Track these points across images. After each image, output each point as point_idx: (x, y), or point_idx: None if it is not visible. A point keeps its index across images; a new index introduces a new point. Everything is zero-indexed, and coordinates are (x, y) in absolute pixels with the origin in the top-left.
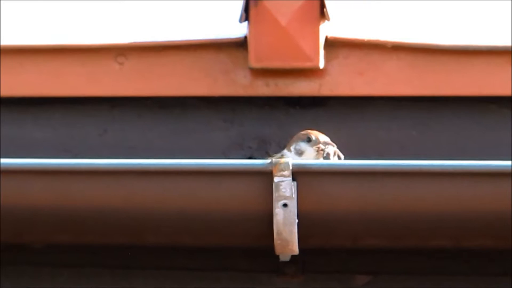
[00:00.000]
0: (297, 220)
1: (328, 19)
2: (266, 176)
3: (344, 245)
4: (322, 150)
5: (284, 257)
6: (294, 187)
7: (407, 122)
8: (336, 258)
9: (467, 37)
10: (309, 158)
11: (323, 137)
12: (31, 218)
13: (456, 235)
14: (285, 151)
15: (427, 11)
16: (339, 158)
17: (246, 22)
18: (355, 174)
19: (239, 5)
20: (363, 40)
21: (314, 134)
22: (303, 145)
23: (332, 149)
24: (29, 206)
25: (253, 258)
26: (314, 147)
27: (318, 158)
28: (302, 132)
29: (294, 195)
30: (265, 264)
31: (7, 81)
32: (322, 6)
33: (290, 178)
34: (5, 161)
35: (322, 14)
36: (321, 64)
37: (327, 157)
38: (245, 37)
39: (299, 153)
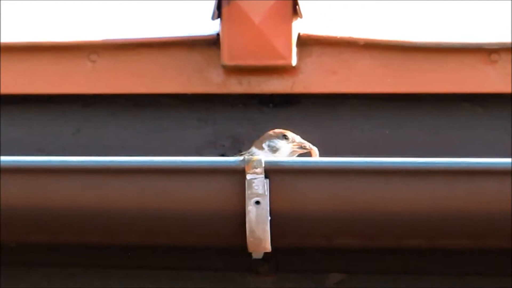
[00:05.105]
0: (269, 218)
1: (301, 17)
2: (238, 173)
3: (317, 243)
4: (303, 147)
5: (257, 255)
6: (266, 184)
7: (380, 120)
8: (309, 257)
9: (440, 35)
10: (283, 155)
11: (298, 137)
12: (4, 217)
13: (430, 234)
14: (253, 149)
15: (399, 8)
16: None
17: (219, 19)
18: (328, 172)
19: (211, 3)
20: (336, 37)
21: (289, 133)
22: (278, 142)
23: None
24: (2, 204)
25: (226, 256)
26: (291, 144)
27: (292, 155)
28: (274, 131)
29: (267, 193)
30: (238, 263)
31: None
32: (295, 4)
33: (263, 176)
34: None
35: (295, 12)
36: (294, 62)
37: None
38: (218, 35)
39: (274, 150)
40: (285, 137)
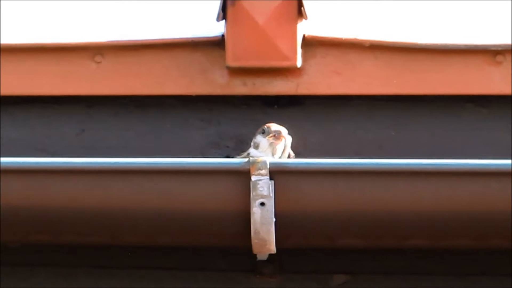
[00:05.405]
0: (274, 219)
1: (306, 18)
2: (243, 175)
3: (321, 244)
4: (276, 136)
5: (262, 256)
6: (271, 186)
7: (384, 121)
8: (313, 258)
9: (445, 36)
10: (264, 150)
11: (275, 127)
12: (8, 218)
13: (434, 234)
14: (250, 149)
15: (404, 9)
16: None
17: (223, 21)
18: (333, 173)
19: (216, 4)
20: (341, 39)
21: (268, 125)
22: (258, 138)
23: (284, 140)
24: (5, 205)
25: (230, 257)
26: (266, 138)
27: (271, 150)
28: (262, 127)
29: (272, 194)
30: (242, 264)
31: None
32: (300, 5)
33: (268, 177)
34: None
35: (300, 13)
36: (299, 63)
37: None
38: (222, 36)
39: (256, 146)
40: (263, 131)
